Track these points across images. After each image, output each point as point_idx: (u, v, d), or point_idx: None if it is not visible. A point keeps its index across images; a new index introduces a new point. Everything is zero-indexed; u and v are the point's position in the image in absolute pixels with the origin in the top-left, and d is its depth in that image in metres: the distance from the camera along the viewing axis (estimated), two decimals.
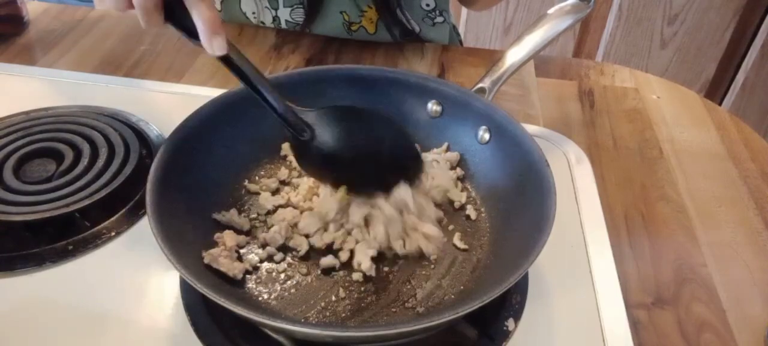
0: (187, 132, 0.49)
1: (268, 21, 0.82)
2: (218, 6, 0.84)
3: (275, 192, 0.54)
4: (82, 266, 0.48)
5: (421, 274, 0.47)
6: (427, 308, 0.44)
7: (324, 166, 0.50)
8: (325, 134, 0.48)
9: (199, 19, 0.41)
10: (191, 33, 0.42)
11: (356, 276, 0.46)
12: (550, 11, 0.59)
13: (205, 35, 0.41)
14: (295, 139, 0.48)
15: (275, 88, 0.46)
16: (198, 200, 0.49)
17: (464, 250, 0.49)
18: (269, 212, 0.52)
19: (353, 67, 0.60)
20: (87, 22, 0.82)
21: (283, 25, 0.82)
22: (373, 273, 0.46)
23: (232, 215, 0.50)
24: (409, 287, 0.46)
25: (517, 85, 0.73)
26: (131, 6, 0.42)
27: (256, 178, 0.55)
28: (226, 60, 0.43)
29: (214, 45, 0.41)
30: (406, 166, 0.50)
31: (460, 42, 0.94)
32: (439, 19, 0.83)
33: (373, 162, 0.50)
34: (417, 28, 0.82)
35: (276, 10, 0.80)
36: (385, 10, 0.77)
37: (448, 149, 0.56)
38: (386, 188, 0.49)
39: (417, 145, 0.53)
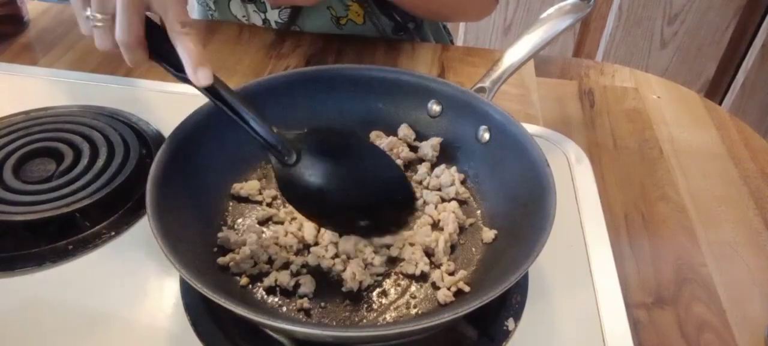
0: (186, 132, 0.49)
1: (258, 23, 0.83)
2: (212, 6, 0.84)
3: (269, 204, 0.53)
4: (82, 266, 0.48)
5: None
6: (427, 308, 0.44)
7: (308, 196, 0.47)
8: (311, 160, 0.47)
9: (185, 53, 0.42)
10: (177, 68, 0.43)
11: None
12: (550, 11, 0.59)
13: (191, 68, 0.42)
14: (279, 163, 0.47)
15: (259, 114, 0.45)
16: (198, 200, 0.49)
17: (464, 250, 0.49)
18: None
19: (353, 66, 0.60)
20: None
21: (273, 27, 0.82)
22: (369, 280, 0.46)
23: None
24: (409, 286, 0.46)
25: (517, 85, 0.73)
26: (116, 46, 0.44)
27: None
28: (210, 90, 0.44)
29: (199, 76, 0.42)
30: (398, 208, 0.49)
31: (451, 40, 0.94)
32: None
33: (362, 200, 0.48)
34: (405, 20, 0.82)
35: (264, 13, 0.81)
36: (367, 2, 0.78)
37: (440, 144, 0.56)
38: (374, 231, 0.48)
39: (410, 184, 0.51)
